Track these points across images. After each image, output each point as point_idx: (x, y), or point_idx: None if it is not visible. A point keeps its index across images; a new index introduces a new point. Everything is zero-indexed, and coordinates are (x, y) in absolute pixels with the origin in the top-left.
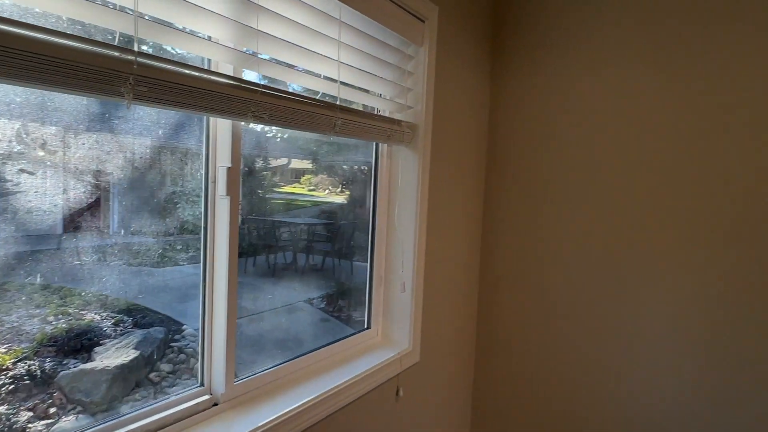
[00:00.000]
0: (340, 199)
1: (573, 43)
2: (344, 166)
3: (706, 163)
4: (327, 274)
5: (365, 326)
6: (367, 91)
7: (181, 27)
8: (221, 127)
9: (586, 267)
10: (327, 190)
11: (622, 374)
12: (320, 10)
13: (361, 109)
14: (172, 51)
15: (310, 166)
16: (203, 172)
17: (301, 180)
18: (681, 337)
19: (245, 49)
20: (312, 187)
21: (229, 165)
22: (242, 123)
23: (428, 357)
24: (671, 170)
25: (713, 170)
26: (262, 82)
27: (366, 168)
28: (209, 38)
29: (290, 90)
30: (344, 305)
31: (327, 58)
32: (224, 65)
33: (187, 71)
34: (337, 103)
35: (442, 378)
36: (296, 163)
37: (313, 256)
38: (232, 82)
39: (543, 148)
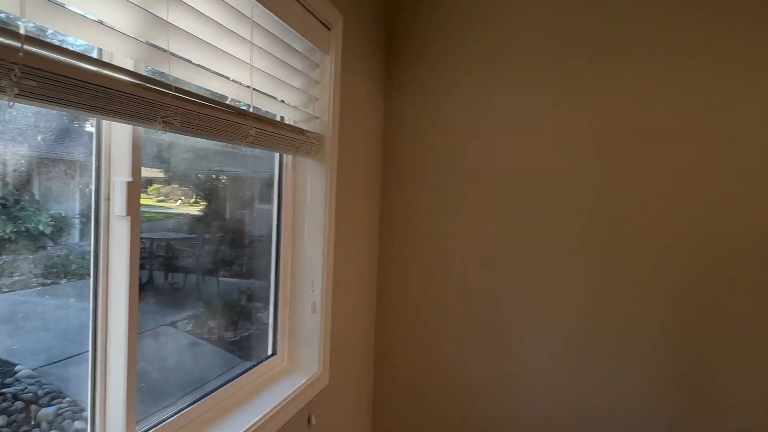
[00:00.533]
0: (194, 210)
1: (463, 60)
2: (200, 175)
3: (587, 178)
4: (191, 293)
5: (270, 352)
6: (274, 98)
7: (75, 9)
8: (118, 134)
9: (477, 281)
10: (179, 201)
11: (515, 382)
12: (233, 7)
13: (269, 117)
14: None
15: (161, 174)
16: (93, 187)
17: (149, 190)
18: (565, 339)
19: (146, 41)
20: (161, 198)
21: (129, 179)
22: (143, 129)
23: (336, 379)
24: (557, 184)
25: (594, 184)
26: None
27: (225, 178)
28: (102, 24)
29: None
30: (215, 326)
31: (239, 60)
32: (123, 59)
33: (90, 66)
34: (250, 110)
35: (349, 399)
36: (146, 172)
37: (173, 274)
38: (141, 82)
39: (434, 163)
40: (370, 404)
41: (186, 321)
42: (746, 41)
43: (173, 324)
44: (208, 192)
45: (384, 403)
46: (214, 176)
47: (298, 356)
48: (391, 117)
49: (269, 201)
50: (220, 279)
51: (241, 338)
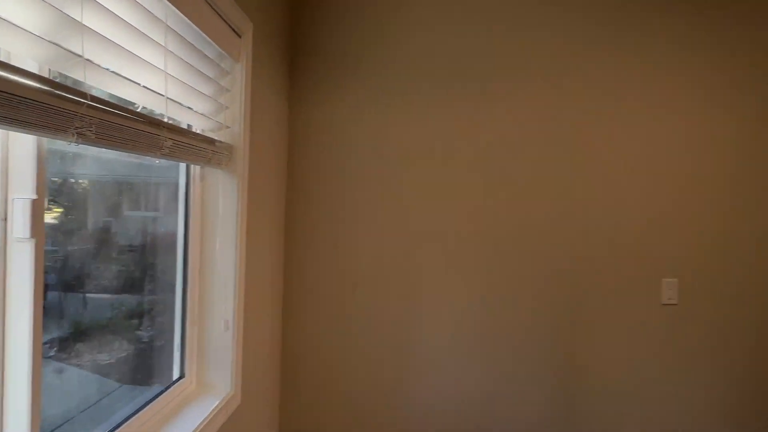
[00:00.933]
0: (48, 218)
1: (366, 72)
2: (54, 179)
3: (477, 193)
4: (53, 312)
5: (177, 375)
6: (186, 106)
7: None
8: (17, 145)
9: (379, 290)
10: None
11: (417, 386)
12: (148, 10)
13: (182, 127)
14: None
15: None
16: None
17: None
18: (457, 344)
19: (55, 42)
20: None
21: (33, 197)
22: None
23: (248, 397)
24: (451, 197)
25: (480, 198)
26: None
27: (85, 181)
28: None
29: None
30: (85, 348)
31: (154, 67)
32: (26, 62)
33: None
34: (165, 120)
35: (260, 417)
36: None
37: None
38: (52, 89)
39: (337, 174)
40: (276, 418)
41: (48, 345)
42: (603, 75)
43: None
44: (66, 198)
45: (291, 414)
46: (73, 180)
47: (209, 377)
48: (296, 127)
49: (152, 208)
50: (93, 295)
51: (122, 360)
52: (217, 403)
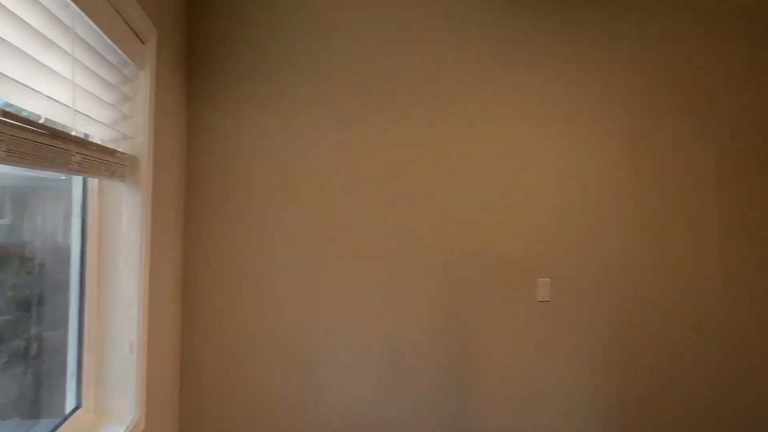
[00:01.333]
0: None
1: (267, 83)
2: None
3: (381, 207)
4: None
5: (74, 406)
6: (90, 117)
7: None
8: None
9: (283, 304)
10: None
11: (319, 401)
12: (56, 16)
13: (89, 140)
14: None
15: None
16: None
17: None
18: (357, 351)
19: None
20: None
21: None
22: None
23: (152, 422)
24: (356, 210)
25: (384, 212)
26: None
27: None
28: None
29: None
30: None
31: (61, 76)
32: None
33: None
34: (73, 134)
35: None
36: None
37: None
38: None
39: (237, 186)
40: None
41: None
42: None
43: None
44: None
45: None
46: None
47: (109, 404)
48: (196, 135)
49: (40, 220)
50: None
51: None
52: (122, 430)
